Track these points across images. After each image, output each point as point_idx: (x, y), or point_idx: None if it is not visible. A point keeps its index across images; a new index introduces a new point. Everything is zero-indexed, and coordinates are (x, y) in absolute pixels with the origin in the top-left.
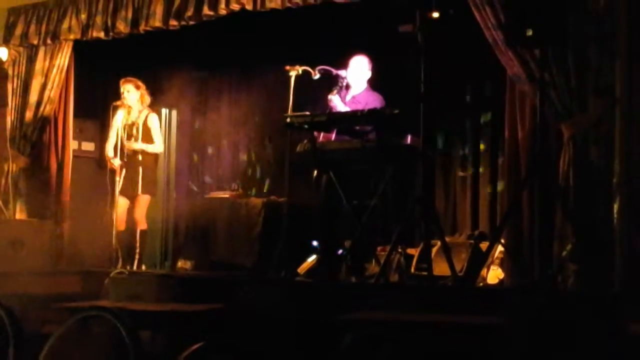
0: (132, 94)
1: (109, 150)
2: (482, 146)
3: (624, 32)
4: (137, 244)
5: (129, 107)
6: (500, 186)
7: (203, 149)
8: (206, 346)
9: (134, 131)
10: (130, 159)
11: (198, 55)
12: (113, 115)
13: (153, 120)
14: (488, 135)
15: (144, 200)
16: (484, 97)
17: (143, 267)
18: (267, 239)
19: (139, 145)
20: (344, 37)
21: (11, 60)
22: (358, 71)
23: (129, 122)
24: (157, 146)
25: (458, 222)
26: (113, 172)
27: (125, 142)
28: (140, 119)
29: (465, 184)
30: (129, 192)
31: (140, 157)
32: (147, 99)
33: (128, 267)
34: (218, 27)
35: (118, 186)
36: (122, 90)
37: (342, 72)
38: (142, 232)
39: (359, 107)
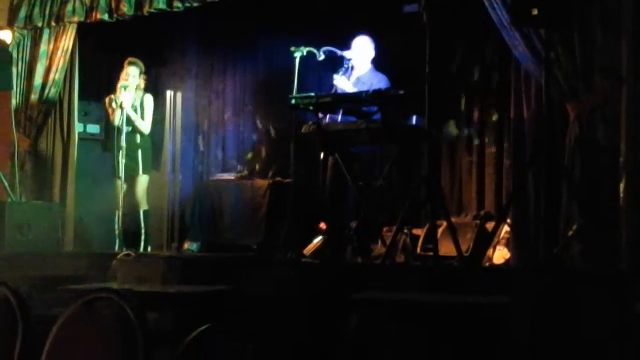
0: (135, 78)
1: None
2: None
3: (630, 11)
4: (142, 226)
5: (130, 88)
6: (506, 166)
7: (208, 131)
8: (213, 328)
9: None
10: (129, 142)
11: (202, 37)
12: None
13: (149, 101)
14: (494, 114)
15: (143, 180)
16: (490, 77)
17: (149, 249)
18: (273, 220)
19: (134, 115)
20: (349, 17)
21: (15, 43)
22: (361, 52)
23: (129, 103)
24: (146, 125)
25: (464, 202)
26: (118, 153)
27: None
28: (137, 100)
29: (471, 164)
30: (128, 174)
31: (138, 140)
32: (143, 84)
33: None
34: (222, 8)
35: (120, 168)
36: (126, 71)
37: (346, 53)
38: (145, 212)
39: (364, 88)
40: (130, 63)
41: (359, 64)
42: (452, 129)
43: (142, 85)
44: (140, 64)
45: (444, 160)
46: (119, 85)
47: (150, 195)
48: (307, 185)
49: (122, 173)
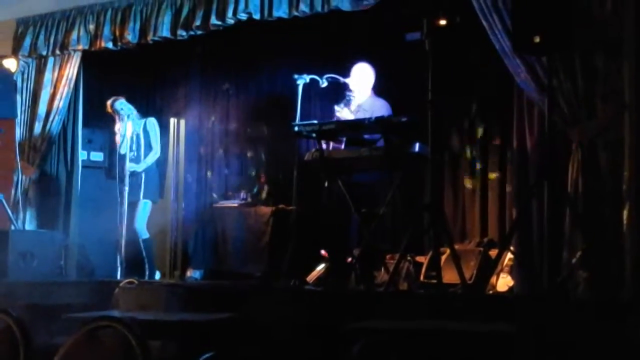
0: (128, 107)
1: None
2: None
3: (631, 37)
4: (143, 254)
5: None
6: (509, 193)
7: (211, 158)
8: (216, 356)
9: (134, 138)
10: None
11: (205, 64)
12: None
13: (151, 125)
14: (496, 142)
15: (143, 206)
16: (492, 103)
17: (158, 276)
18: (276, 247)
19: (144, 166)
20: (352, 45)
21: (20, 71)
22: (361, 79)
23: (129, 133)
24: (155, 153)
25: (467, 229)
26: (122, 181)
27: (128, 166)
28: (138, 128)
29: (474, 191)
30: (132, 199)
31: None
32: (134, 110)
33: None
34: (226, 36)
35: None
36: (116, 109)
37: (348, 80)
38: (144, 241)
39: (366, 115)
40: (112, 101)
41: (360, 91)
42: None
43: (134, 111)
44: (108, 102)
45: (447, 187)
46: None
47: (154, 222)
48: (310, 212)
49: (125, 200)
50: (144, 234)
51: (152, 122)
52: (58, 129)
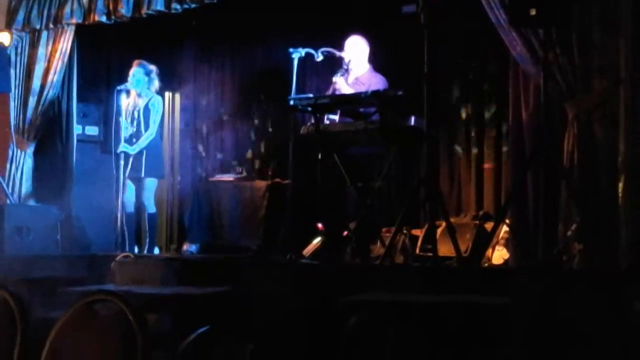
0: (138, 78)
1: (122, 142)
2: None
3: (628, 12)
4: (147, 228)
5: (134, 91)
6: (505, 165)
7: (206, 132)
8: (212, 329)
9: (135, 114)
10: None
11: (200, 38)
12: (117, 100)
13: (154, 104)
14: (492, 115)
15: (148, 183)
16: (488, 76)
17: (156, 251)
18: (272, 221)
19: (137, 148)
20: (347, 18)
21: (13, 46)
22: (355, 51)
23: (131, 106)
24: (151, 134)
25: (463, 203)
26: (118, 156)
27: (121, 145)
28: (142, 103)
29: (470, 164)
30: (134, 176)
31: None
32: (157, 84)
33: (137, 251)
34: (220, 9)
35: (126, 170)
36: (130, 72)
37: (343, 54)
38: (149, 215)
39: (362, 88)
40: (135, 64)
41: (356, 64)
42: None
43: (155, 85)
44: (147, 65)
45: (442, 160)
46: (115, 90)
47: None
48: (306, 186)
49: (123, 175)
50: (151, 208)
51: (158, 101)
52: (52, 103)
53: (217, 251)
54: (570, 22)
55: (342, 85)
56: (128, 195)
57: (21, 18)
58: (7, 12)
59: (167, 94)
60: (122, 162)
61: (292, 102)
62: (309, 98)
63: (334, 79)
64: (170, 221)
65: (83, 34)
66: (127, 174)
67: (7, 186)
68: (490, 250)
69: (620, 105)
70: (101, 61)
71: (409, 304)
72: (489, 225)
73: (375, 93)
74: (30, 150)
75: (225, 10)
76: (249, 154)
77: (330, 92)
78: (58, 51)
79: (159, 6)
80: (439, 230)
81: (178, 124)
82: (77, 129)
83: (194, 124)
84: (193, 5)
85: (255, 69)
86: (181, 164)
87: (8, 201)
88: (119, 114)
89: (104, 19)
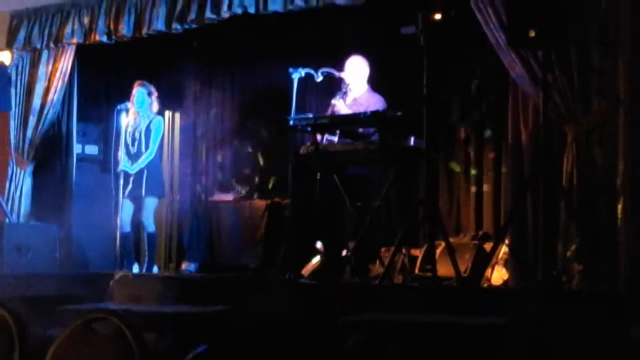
0: (142, 99)
1: (122, 161)
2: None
3: (627, 33)
4: (146, 247)
5: (135, 111)
6: (504, 187)
7: (206, 152)
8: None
9: (137, 135)
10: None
11: (201, 57)
12: (117, 119)
13: (156, 125)
14: (492, 136)
15: (149, 202)
16: (487, 97)
17: (155, 270)
18: (271, 240)
19: (137, 168)
20: (347, 39)
21: (14, 65)
22: (356, 71)
23: (131, 126)
24: (150, 154)
25: (462, 223)
26: (117, 175)
27: (120, 165)
28: (144, 123)
29: (469, 185)
30: (134, 195)
31: (143, 162)
32: (157, 106)
33: (135, 269)
34: (220, 29)
35: (125, 189)
36: (133, 92)
37: (343, 74)
38: (149, 234)
39: (361, 109)
40: (138, 85)
41: (355, 85)
42: None
43: (155, 107)
44: (149, 85)
45: (441, 180)
46: (116, 109)
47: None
48: (305, 205)
49: (122, 194)
50: (150, 227)
51: (159, 122)
52: (53, 123)
53: (216, 270)
54: (569, 43)
55: (341, 107)
56: (124, 215)
57: (22, 37)
58: (8, 31)
59: (167, 114)
60: (121, 181)
61: (291, 122)
62: (309, 118)
63: (333, 101)
64: (169, 240)
65: (83, 53)
66: (126, 193)
67: (7, 205)
68: (489, 271)
69: (619, 126)
70: (101, 81)
71: (408, 324)
72: (488, 246)
73: (375, 113)
74: (29, 169)
75: (226, 31)
76: (249, 173)
77: (329, 112)
78: (58, 70)
79: (160, 26)
80: (438, 250)
81: (178, 143)
82: (77, 148)
83: (194, 144)
84: (193, 26)
85: (255, 89)
86: (180, 183)
87: (7, 220)
88: (119, 133)
89: (104, 38)
